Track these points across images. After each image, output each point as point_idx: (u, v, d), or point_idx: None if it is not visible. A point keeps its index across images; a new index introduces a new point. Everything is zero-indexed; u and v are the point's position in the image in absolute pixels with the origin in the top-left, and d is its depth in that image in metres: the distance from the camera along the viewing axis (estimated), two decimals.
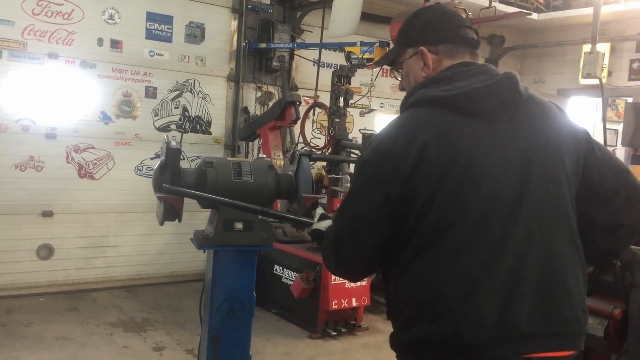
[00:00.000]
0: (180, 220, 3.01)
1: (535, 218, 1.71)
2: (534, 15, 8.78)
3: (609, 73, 8.83)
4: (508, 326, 1.65)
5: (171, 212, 2.95)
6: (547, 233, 1.73)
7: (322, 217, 2.34)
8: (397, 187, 1.70)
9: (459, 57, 1.89)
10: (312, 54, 7.59)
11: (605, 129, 5.09)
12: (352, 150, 6.33)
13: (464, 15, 6.48)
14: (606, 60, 8.42)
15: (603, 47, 8.35)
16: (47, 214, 6.24)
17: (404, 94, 1.98)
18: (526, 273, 1.68)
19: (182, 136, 3.08)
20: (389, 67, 2.19)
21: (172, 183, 2.87)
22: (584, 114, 10.28)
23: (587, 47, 7.66)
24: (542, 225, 1.72)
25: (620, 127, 10.25)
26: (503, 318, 1.64)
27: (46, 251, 6.30)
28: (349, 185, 5.62)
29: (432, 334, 1.68)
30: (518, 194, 1.71)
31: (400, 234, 1.75)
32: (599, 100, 8.71)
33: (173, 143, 2.95)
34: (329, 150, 6.51)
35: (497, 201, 1.69)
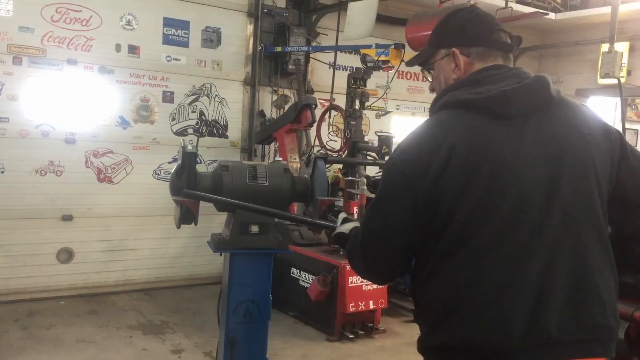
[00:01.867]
0: (196, 224, 3.03)
1: (564, 223, 1.68)
2: (551, 15, 8.70)
3: (628, 72, 8.72)
4: (538, 332, 1.62)
5: (187, 215, 2.97)
6: (577, 238, 1.69)
7: (345, 221, 2.35)
8: (424, 189, 1.69)
9: (491, 61, 1.87)
10: (328, 56, 7.60)
11: (624, 128, 5.04)
12: (368, 153, 6.32)
13: None
14: (625, 60, 8.31)
15: (622, 47, 8.25)
16: (67, 218, 6.32)
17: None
18: (556, 278, 1.65)
19: (197, 140, 3.09)
20: (415, 69, 2.18)
21: (188, 187, 2.89)
22: (603, 114, 10.17)
23: (605, 47, 7.57)
24: (572, 230, 1.69)
25: None
26: (533, 324, 1.61)
27: (66, 255, 6.38)
28: (365, 187, 5.61)
29: (458, 338, 1.66)
30: (547, 198, 1.68)
31: (427, 237, 1.73)
32: (618, 100, 8.61)
33: (189, 147, 2.97)
34: (345, 153, 6.51)
35: (526, 205, 1.66)
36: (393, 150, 1.91)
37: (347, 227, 2.27)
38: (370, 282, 4.90)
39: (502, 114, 1.71)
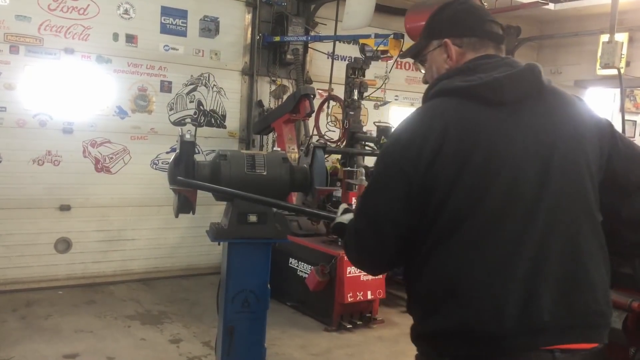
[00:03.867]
0: (194, 213, 3.03)
1: (556, 209, 1.69)
2: (551, 6, 8.65)
3: (627, 63, 8.69)
4: (531, 317, 1.63)
5: (185, 204, 2.97)
6: (569, 225, 1.70)
7: (345, 211, 2.34)
8: (417, 176, 1.70)
9: (483, 51, 1.90)
10: (327, 46, 7.57)
11: (623, 120, 5.02)
12: (366, 143, 6.31)
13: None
14: (624, 51, 8.29)
15: (621, 37, 8.22)
16: (65, 208, 6.31)
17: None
18: (548, 265, 1.66)
19: (196, 130, 3.09)
20: (411, 60, 2.20)
21: (186, 176, 2.89)
22: (601, 105, 10.17)
23: (604, 37, 7.54)
24: (564, 217, 1.70)
25: (638, 118, 10.14)
26: (526, 309, 1.62)
27: (64, 245, 6.37)
28: (363, 177, 5.60)
29: (452, 324, 1.67)
30: (539, 185, 1.69)
31: (420, 225, 1.73)
32: (617, 91, 8.59)
33: (187, 136, 2.96)
34: (344, 144, 6.50)
35: (518, 192, 1.67)
36: (387, 138, 1.92)
37: (346, 218, 2.26)
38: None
39: (495, 100, 1.73)
